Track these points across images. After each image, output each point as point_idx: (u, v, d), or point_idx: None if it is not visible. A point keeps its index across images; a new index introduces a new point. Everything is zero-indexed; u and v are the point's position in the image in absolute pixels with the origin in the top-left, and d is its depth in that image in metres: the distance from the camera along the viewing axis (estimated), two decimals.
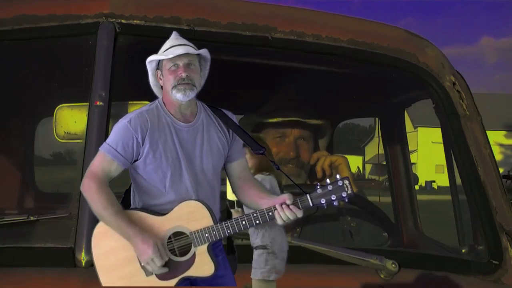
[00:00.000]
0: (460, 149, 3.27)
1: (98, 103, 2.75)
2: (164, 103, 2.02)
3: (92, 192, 1.88)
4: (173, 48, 1.99)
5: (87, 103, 2.83)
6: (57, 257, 2.60)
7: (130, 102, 3.01)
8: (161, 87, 2.04)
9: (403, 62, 3.34)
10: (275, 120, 3.90)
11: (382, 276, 2.64)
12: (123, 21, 2.89)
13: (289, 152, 3.84)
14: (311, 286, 2.58)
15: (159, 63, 2.02)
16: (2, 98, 3.89)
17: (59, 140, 3.39)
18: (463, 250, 3.34)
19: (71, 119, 3.24)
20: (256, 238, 2.54)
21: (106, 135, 2.77)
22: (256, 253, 2.52)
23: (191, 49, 1.98)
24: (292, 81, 3.89)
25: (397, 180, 4.84)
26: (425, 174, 30.27)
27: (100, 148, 1.96)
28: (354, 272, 2.63)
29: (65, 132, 3.31)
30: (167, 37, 2.12)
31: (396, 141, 4.95)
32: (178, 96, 1.93)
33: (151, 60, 2.02)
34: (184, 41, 2.02)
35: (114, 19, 2.88)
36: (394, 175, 4.89)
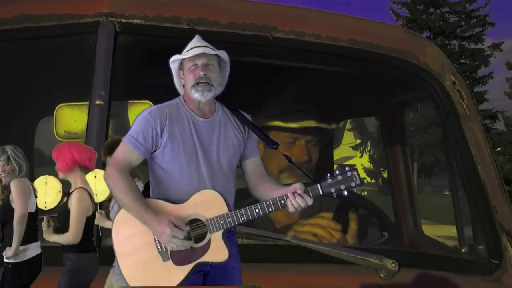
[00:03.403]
0: (460, 149, 3.27)
1: (98, 102, 2.76)
2: (184, 100, 2.13)
3: (113, 179, 1.98)
4: (193, 49, 2.10)
5: (87, 102, 2.83)
6: (58, 256, 2.61)
7: (130, 101, 3.02)
8: (183, 85, 2.15)
9: (403, 62, 3.33)
10: (287, 125, 3.88)
11: (382, 275, 2.64)
12: (123, 20, 2.89)
13: (302, 156, 3.83)
14: (311, 285, 2.58)
15: (181, 64, 2.12)
16: (2, 97, 3.90)
17: (60, 139, 3.39)
18: (463, 250, 3.34)
19: (71, 118, 3.24)
20: None
21: (106, 134, 2.78)
22: None
23: (209, 50, 2.10)
24: (292, 80, 3.89)
25: (397, 180, 4.84)
26: None
27: (123, 139, 2.05)
28: (354, 271, 2.63)
29: (65, 131, 3.31)
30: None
31: (396, 141, 4.95)
32: (196, 96, 2.05)
33: (173, 60, 2.13)
34: (205, 43, 2.17)
35: (114, 18, 2.88)
36: (394, 175, 4.89)
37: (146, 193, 2.13)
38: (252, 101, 4.45)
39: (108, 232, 2.47)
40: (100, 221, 2.63)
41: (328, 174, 1.96)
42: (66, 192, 2.55)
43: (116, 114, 2.92)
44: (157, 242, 1.97)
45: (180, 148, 2.03)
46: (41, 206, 2.63)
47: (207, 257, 1.98)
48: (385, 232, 3.78)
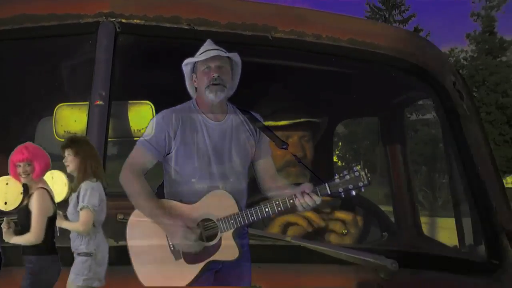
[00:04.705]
0: (460, 149, 3.27)
1: (98, 103, 2.75)
2: (197, 103, 2.18)
3: (128, 180, 2.13)
4: (206, 52, 2.18)
5: (87, 102, 2.83)
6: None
7: (130, 102, 3.01)
8: (196, 88, 2.19)
9: (403, 62, 3.33)
10: (279, 123, 3.82)
11: (382, 275, 2.64)
12: (123, 20, 2.89)
13: (296, 152, 3.78)
14: (311, 285, 2.58)
15: (194, 67, 2.17)
16: (2, 97, 3.90)
17: (59, 139, 3.38)
18: (463, 250, 3.34)
19: (71, 118, 3.24)
20: (80, 244, 2.53)
21: (106, 134, 2.78)
22: (79, 259, 2.52)
23: (222, 53, 2.15)
24: (292, 80, 3.89)
25: (396, 179, 4.84)
26: None
27: (137, 142, 2.15)
28: (353, 271, 2.63)
29: (65, 132, 3.30)
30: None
31: (395, 141, 4.95)
32: (210, 96, 2.16)
33: (186, 63, 2.18)
34: (217, 47, 2.20)
35: (114, 19, 2.88)
36: (393, 175, 4.90)
37: (160, 193, 2.17)
38: (251, 101, 4.45)
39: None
40: (58, 222, 2.61)
41: (336, 174, 2.01)
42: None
43: (116, 114, 2.92)
44: (169, 241, 2.06)
45: (193, 151, 2.15)
46: (1, 207, 2.61)
47: (218, 256, 2.08)
48: (385, 232, 3.78)
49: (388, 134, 5.00)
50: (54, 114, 3.36)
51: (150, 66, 3.29)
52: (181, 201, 2.07)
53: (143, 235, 2.06)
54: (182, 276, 2.01)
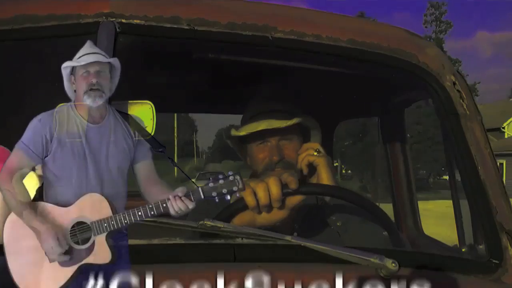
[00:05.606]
0: (460, 149, 3.27)
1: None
2: (75, 105, 2.24)
3: (4, 184, 2.06)
4: (86, 56, 2.20)
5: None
6: None
7: (130, 101, 3.02)
8: (74, 91, 2.21)
9: (403, 62, 3.33)
10: (279, 123, 3.70)
11: (382, 275, 2.64)
12: (123, 20, 2.89)
13: (272, 156, 3.66)
14: (312, 285, 2.58)
15: (73, 69, 2.19)
16: (2, 98, 3.90)
17: None
18: (463, 250, 3.34)
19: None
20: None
21: None
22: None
23: (102, 57, 2.17)
24: (292, 80, 3.89)
25: (397, 179, 4.85)
26: None
27: (15, 145, 2.16)
28: (353, 271, 2.63)
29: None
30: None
31: (396, 141, 4.96)
32: (88, 101, 2.19)
33: (65, 66, 2.20)
34: (97, 50, 2.23)
35: (114, 19, 2.88)
36: (394, 175, 4.91)
37: (40, 195, 2.20)
38: (250, 101, 4.45)
39: None
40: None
41: (211, 178, 2.02)
42: None
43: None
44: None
45: (70, 154, 2.11)
46: None
47: (90, 259, 2.05)
48: (385, 232, 3.78)
49: (388, 134, 5.02)
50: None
51: (150, 66, 3.29)
52: (57, 204, 2.08)
53: (20, 236, 2.03)
54: (55, 278, 2.02)
